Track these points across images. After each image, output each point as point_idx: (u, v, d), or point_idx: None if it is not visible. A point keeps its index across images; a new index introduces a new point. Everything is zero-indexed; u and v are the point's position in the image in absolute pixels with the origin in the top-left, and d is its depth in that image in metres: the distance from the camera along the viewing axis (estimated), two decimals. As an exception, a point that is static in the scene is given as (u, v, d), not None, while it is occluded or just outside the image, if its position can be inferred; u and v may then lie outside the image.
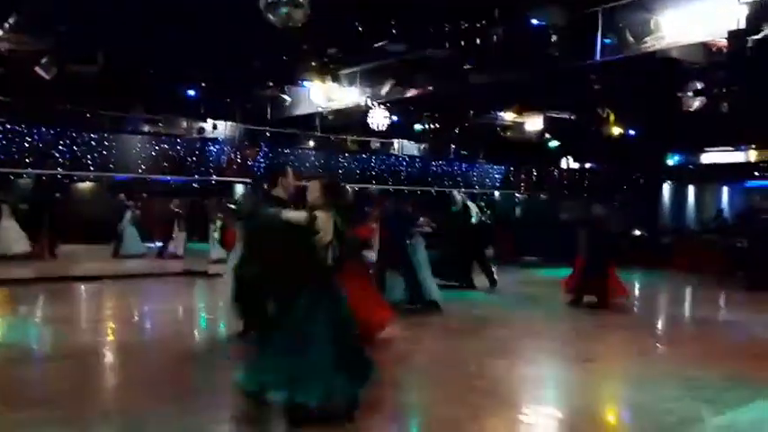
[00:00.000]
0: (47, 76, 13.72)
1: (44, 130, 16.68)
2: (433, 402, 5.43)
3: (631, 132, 19.11)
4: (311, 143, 23.27)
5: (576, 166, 25.40)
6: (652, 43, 10.29)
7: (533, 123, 19.84)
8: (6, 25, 13.59)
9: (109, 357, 6.95)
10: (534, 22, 10.97)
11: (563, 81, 13.88)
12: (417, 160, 24.30)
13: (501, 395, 5.69)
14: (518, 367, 6.68)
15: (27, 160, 16.43)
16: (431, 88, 14.35)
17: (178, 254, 15.56)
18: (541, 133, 20.10)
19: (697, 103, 13.24)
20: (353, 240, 5.78)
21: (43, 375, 6.28)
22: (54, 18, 13.39)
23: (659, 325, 10.23)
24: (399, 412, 5.25)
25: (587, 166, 25.13)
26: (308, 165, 21.55)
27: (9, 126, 16.30)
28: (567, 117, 18.70)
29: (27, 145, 16.38)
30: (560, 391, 6.01)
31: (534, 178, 24.83)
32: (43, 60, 13.58)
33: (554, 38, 11.01)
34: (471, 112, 18.17)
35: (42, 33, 14.11)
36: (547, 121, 19.32)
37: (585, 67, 11.85)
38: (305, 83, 17.50)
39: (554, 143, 21.06)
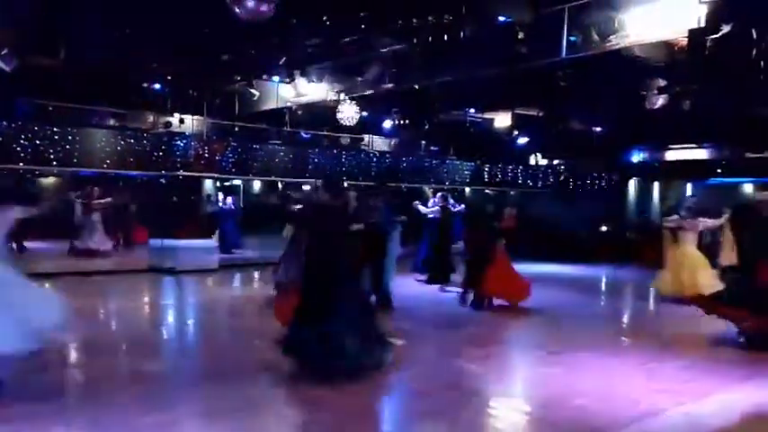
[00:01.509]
0: (7, 69, 13.37)
1: (5, 123, 16.23)
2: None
3: (597, 129, 19.41)
4: (280, 139, 23.12)
5: (544, 162, 25.70)
6: (616, 41, 10.48)
7: (502, 120, 20.02)
8: (-36, 15, 13.22)
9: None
10: (501, 18, 11.06)
11: (531, 78, 14.02)
12: (387, 156, 24.30)
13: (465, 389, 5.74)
14: (485, 361, 6.74)
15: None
16: (399, 84, 14.37)
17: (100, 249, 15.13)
18: (510, 129, 20.28)
19: (660, 101, 13.50)
20: None
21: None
22: (14, 8, 13.07)
23: (624, 318, 10.44)
24: (372, 405, 5.27)
25: (555, 162, 25.44)
26: (277, 160, 21.40)
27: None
28: (536, 114, 18.90)
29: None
30: (525, 384, 6.08)
31: (502, 174, 25.04)
32: (3, 52, 13.23)
33: (521, 35, 11.14)
34: (440, 107, 18.22)
35: (2, 24, 13.75)
36: (515, 117, 19.50)
37: (552, 64, 12.00)
38: (273, 77, 17.39)
39: (523, 139, 21.27)
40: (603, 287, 11.97)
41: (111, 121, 20.12)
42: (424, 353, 7.03)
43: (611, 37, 10.42)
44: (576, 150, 21.93)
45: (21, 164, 16.47)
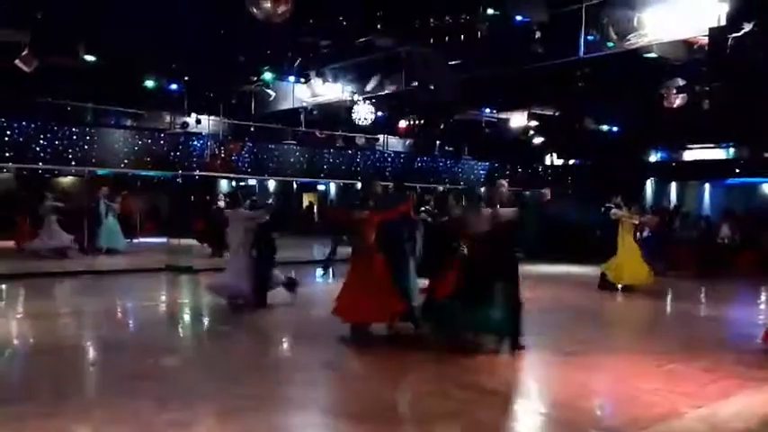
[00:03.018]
0: (27, 69, 13.53)
1: (24, 123, 16.43)
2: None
3: (615, 129, 19.25)
4: (295, 139, 23.18)
5: (560, 162, 25.53)
6: (635, 40, 10.39)
7: (517, 120, 19.91)
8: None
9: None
10: (518, 18, 11.01)
11: (547, 77, 13.95)
12: (402, 156, 24.28)
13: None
14: (507, 362, 6.71)
15: (7, 154, 16.18)
16: (415, 84, 14.34)
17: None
18: (525, 130, 20.18)
19: (679, 101, 13.37)
20: None
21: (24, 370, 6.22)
22: (34, 9, 13.23)
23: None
24: (385, 409, 5.26)
25: (571, 162, 25.27)
26: (292, 160, 21.47)
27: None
28: (552, 113, 18.79)
29: (7, 139, 16.12)
30: (540, 384, 6.04)
31: (518, 174, 24.90)
32: (24, 53, 13.39)
33: (538, 34, 11.08)
34: (456, 108, 18.17)
35: (22, 25, 13.92)
36: (531, 117, 19.40)
37: (569, 63, 11.92)
38: (289, 78, 17.43)
39: (538, 139, 21.15)
40: (621, 288, 11.86)
41: (129, 122, 20.30)
42: (438, 351, 7.01)
43: (629, 36, 10.33)
44: (593, 150, 21.77)
45: (40, 163, 16.68)
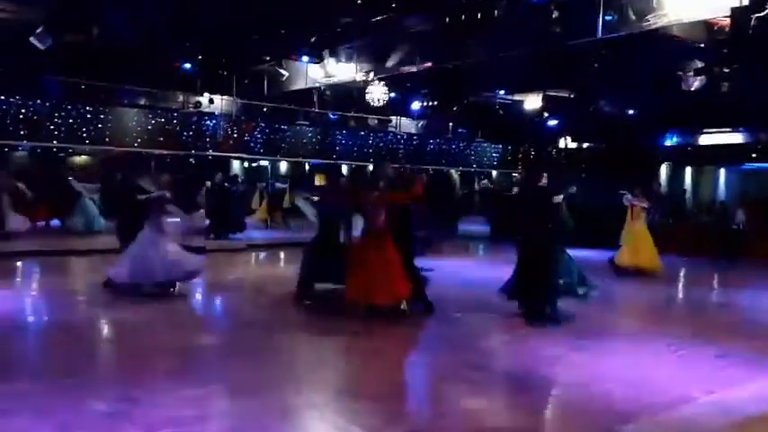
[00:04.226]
0: (41, 47, 13.53)
1: (38, 102, 16.49)
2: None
3: (630, 112, 19.01)
4: (308, 119, 23.12)
5: (574, 145, 25.31)
6: (654, 21, 10.20)
7: (532, 102, 19.72)
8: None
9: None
10: (535, -3, 10.85)
11: (563, 59, 13.76)
12: (415, 138, 24.18)
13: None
14: (513, 344, 6.71)
15: (21, 132, 16.27)
16: (430, 64, 14.20)
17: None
18: (540, 112, 19.99)
19: (697, 83, 13.16)
20: None
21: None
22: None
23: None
24: (400, 388, 5.28)
25: (585, 145, 25.04)
26: (304, 141, 21.44)
27: (3, 98, 16.10)
28: (567, 96, 18.57)
29: (21, 117, 16.19)
30: (552, 368, 6.03)
31: (532, 157, 24.74)
32: (38, 30, 13.38)
33: (555, 14, 10.90)
34: (470, 89, 18.01)
35: (36, 2, 13.90)
36: (546, 99, 19.20)
37: (587, 44, 11.75)
38: (303, 57, 17.34)
39: (553, 122, 20.96)
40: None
41: (142, 101, 20.31)
42: (452, 334, 7.02)
43: (648, 16, 10.15)
44: (608, 133, 21.53)
45: (54, 141, 16.77)
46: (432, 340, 7.02)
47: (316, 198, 9.03)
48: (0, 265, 10.60)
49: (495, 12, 11.04)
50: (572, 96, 18.41)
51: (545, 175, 7.90)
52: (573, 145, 25.29)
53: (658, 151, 22.68)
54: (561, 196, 7.75)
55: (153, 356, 5.81)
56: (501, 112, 20.58)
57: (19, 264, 11.11)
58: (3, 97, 16.07)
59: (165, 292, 8.37)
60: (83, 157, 19.42)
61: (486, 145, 25.10)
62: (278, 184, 19.47)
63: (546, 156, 24.57)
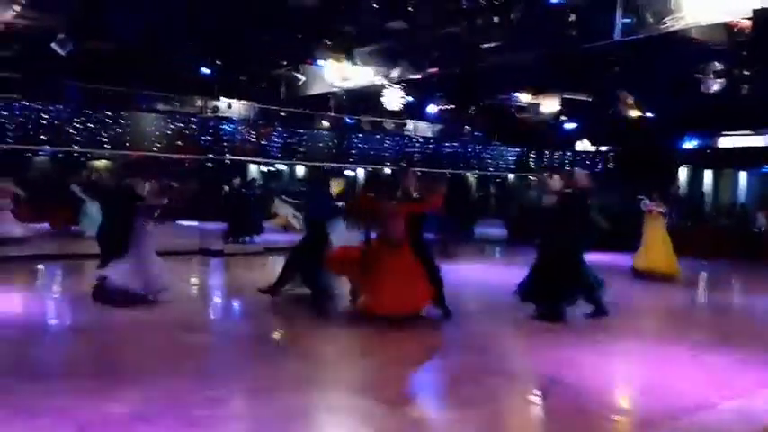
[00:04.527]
0: (62, 53, 13.75)
1: (60, 107, 16.73)
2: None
3: (649, 115, 18.86)
4: (325, 123, 23.21)
5: (592, 148, 25.17)
6: (672, 23, 10.12)
7: (549, 105, 19.64)
8: (22, 1, 13.62)
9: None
10: (553, 0, 10.81)
11: (581, 62, 13.70)
12: (431, 141, 24.17)
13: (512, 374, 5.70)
14: (531, 347, 6.68)
15: (42, 137, 16.52)
16: (446, 68, 14.21)
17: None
18: (557, 115, 19.91)
19: (716, 86, 13.03)
20: None
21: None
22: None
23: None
24: (417, 391, 5.29)
25: (603, 148, 24.88)
26: (321, 145, 21.53)
27: (25, 103, 16.36)
28: (585, 99, 18.48)
29: (43, 122, 16.44)
30: (569, 372, 5.99)
31: (548, 161, 24.63)
32: (59, 36, 13.60)
33: (572, 17, 10.87)
34: (486, 92, 17.98)
35: (56, 10, 14.13)
36: (563, 102, 19.12)
37: (604, 47, 11.69)
38: (319, 62, 17.44)
39: (570, 125, 20.87)
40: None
41: (161, 106, 20.53)
42: (469, 337, 7.01)
43: (666, 19, 10.07)
44: (626, 136, 21.39)
45: (75, 146, 17.00)
46: (448, 343, 7.01)
47: (296, 201, 9.10)
48: (13, 269, 10.70)
49: (512, 15, 11.02)
50: (590, 99, 18.32)
51: (560, 177, 7.88)
52: (592, 148, 25.15)
53: (677, 154, 22.47)
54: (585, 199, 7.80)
55: (171, 358, 5.86)
56: (517, 115, 20.50)
57: (32, 267, 11.18)
58: (25, 102, 16.34)
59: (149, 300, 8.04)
60: (103, 161, 19.67)
61: (502, 148, 25.03)
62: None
63: (563, 158, 24.44)
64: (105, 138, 17.31)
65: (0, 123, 16.07)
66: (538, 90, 18.62)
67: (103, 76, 17.86)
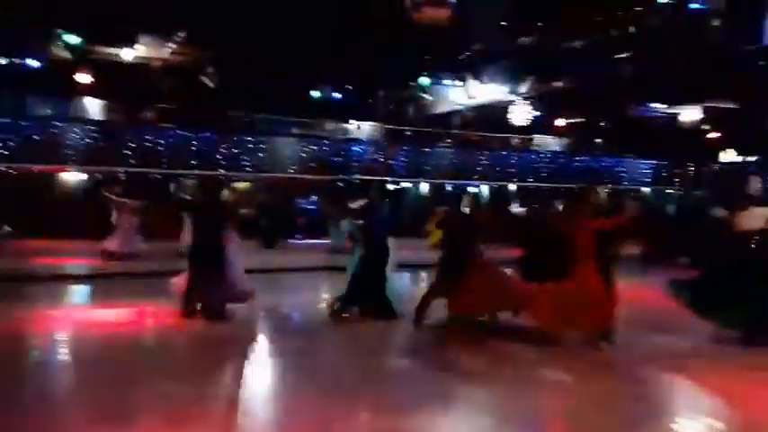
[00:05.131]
0: (211, 85, 14.97)
1: (208, 134, 18.16)
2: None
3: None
4: (450, 141, 23.39)
5: (738, 159, 23.39)
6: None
7: (689, 114, 18.57)
8: (177, 38, 15.05)
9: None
10: (694, 6, 10.31)
11: (724, 67, 12.90)
12: (560, 156, 23.59)
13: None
14: (675, 375, 6.34)
15: (193, 162, 17.97)
16: (576, 81, 13.92)
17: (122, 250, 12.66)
18: (698, 124, 18.77)
19: None
20: None
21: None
22: (216, 31, 14.62)
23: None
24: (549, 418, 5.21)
25: (751, 159, 23.04)
26: (446, 163, 21.71)
27: (179, 132, 17.95)
28: (730, 106, 17.30)
29: (193, 148, 17.91)
30: (717, 401, 5.62)
31: (690, 173, 23.16)
32: (208, 70, 14.83)
33: (715, 22, 10.31)
34: (620, 104, 17.36)
35: (206, 45, 15.44)
36: (705, 111, 18.00)
37: (751, 52, 10.96)
38: (445, 81, 17.70)
39: (712, 135, 19.57)
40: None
41: (296, 130, 21.66)
42: (624, 359, 6.76)
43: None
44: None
45: (220, 170, 18.34)
46: (598, 367, 6.69)
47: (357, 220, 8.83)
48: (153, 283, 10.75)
49: (649, 24, 10.63)
50: (735, 107, 17.12)
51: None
52: (738, 159, 23.37)
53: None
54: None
55: (308, 372, 6.07)
56: (654, 126, 19.55)
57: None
58: (179, 131, 17.92)
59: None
60: (244, 183, 21.06)
61: (637, 161, 23.90)
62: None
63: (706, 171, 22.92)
64: (247, 161, 18.54)
65: (156, 150, 17.77)
66: (677, 99, 17.68)
67: (245, 103, 19.15)
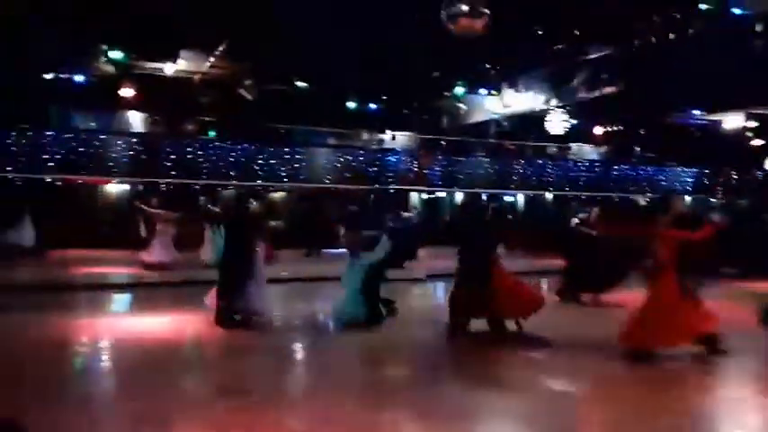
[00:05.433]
0: (249, 97, 15.21)
1: (246, 145, 18.45)
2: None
3: None
4: (485, 150, 23.27)
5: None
6: None
7: (732, 121, 18.12)
8: (216, 53, 15.34)
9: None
10: (736, 11, 10.09)
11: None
12: (597, 165, 23.24)
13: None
14: (714, 389, 6.16)
15: (231, 173, 18.27)
16: (616, 88, 13.72)
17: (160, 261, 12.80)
18: (741, 131, 18.29)
19: None
20: None
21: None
22: (254, 45, 14.86)
23: None
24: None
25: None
26: (481, 172, 21.59)
27: (218, 143, 18.29)
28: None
29: (232, 159, 18.21)
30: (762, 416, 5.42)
31: (733, 182, 22.55)
32: (246, 83, 15.09)
33: (759, 27, 10.07)
34: (660, 111, 17.02)
35: (244, 59, 15.70)
36: (748, 117, 17.54)
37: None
38: (481, 90, 17.64)
39: (757, 142, 19.04)
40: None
41: (331, 141, 21.84)
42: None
43: None
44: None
45: (258, 181, 18.59)
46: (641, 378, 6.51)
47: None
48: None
49: (690, 30, 10.44)
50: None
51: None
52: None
53: None
54: None
55: (344, 381, 6.07)
56: (696, 133, 19.12)
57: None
58: (218, 143, 18.26)
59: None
60: (280, 193, 21.30)
61: (678, 169, 23.40)
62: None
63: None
64: (284, 172, 18.75)
65: (196, 162, 18.12)
66: (719, 106, 17.26)
67: (282, 116, 19.40)
